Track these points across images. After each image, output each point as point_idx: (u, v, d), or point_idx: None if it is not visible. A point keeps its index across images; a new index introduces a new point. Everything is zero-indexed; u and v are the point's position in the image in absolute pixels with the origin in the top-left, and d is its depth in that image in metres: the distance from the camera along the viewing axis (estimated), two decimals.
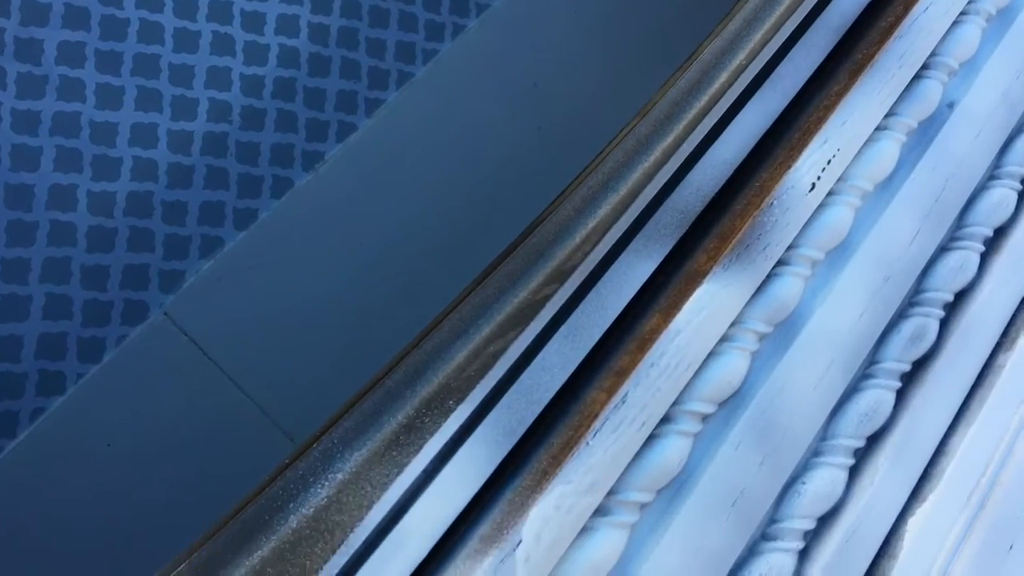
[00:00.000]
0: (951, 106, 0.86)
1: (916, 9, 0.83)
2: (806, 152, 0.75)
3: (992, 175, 0.88)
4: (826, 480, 0.71)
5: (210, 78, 1.59)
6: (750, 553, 0.68)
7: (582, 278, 0.67)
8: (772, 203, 0.73)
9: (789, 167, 0.74)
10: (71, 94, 1.47)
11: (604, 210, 0.71)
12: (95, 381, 1.46)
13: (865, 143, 0.79)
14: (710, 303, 0.70)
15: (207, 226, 1.57)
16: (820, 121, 0.77)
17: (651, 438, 0.67)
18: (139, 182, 1.52)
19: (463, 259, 1.77)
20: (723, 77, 0.76)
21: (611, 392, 0.65)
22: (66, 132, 1.47)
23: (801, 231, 0.75)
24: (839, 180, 0.77)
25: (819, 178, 0.75)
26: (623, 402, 0.65)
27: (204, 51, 1.58)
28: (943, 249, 0.83)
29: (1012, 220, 0.88)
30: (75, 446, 1.44)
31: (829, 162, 0.76)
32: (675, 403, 0.68)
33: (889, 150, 0.80)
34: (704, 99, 0.75)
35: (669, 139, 0.73)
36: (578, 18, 1.98)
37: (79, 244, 1.46)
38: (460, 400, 0.62)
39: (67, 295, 1.45)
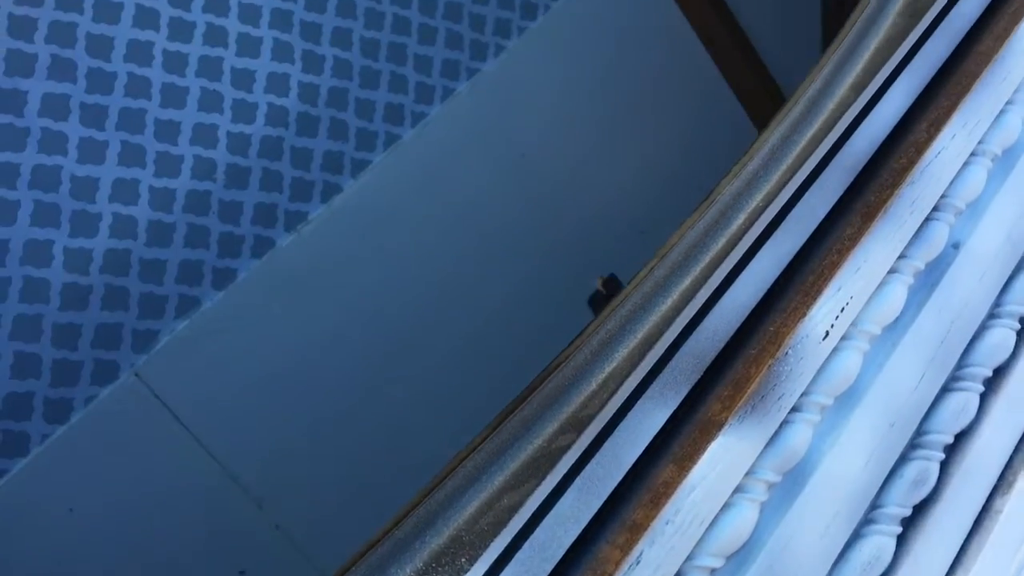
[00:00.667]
0: (957, 247, 0.87)
1: (928, 154, 0.84)
2: (820, 300, 0.75)
3: (993, 313, 0.89)
4: None
5: (196, 135, 1.56)
6: None
7: (599, 428, 0.66)
8: (787, 352, 0.73)
9: (804, 315, 0.74)
10: (53, 147, 1.44)
11: (621, 354, 0.70)
12: (61, 442, 1.42)
13: (876, 287, 0.79)
14: (725, 456, 0.69)
15: (185, 285, 1.54)
16: (834, 267, 0.77)
17: None
18: (118, 239, 1.48)
19: (444, 325, 1.76)
20: (740, 219, 0.76)
21: (625, 550, 0.64)
22: (45, 186, 1.43)
23: (813, 378, 0.75)
24: (850, 325, 0.78)
25: (832, 326, 0.75)
26: (637, 562, 0.64)
27: (191, 107, 1.56)
28: (945, 390, 0.84)
29: (1011, 360, 0.89)
30: (36, 510, 1.39)
31: (843, 309, 0.76)
32: (686, 558, 0.67)
33: (898, 293, 0.81)
34: (722, 241, 0.75)
35: (687, 282, 0.73)
36: (567, 86, 1.98)
37: (52, 301, 1.43)
38: (472, 559, 0.60)
39: (37, 353, 1.41)
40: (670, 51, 2.13)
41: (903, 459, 0.80)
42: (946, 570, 0.79)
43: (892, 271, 0.82)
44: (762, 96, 2.19)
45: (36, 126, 1.43)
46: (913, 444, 0.81)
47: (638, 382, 0.69)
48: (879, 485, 0.77)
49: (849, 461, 0.75)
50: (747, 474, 0.71)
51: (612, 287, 2.03)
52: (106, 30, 1.49)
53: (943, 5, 0.93)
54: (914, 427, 0.80)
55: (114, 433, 1.44)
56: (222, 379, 1.53)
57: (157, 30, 1.54)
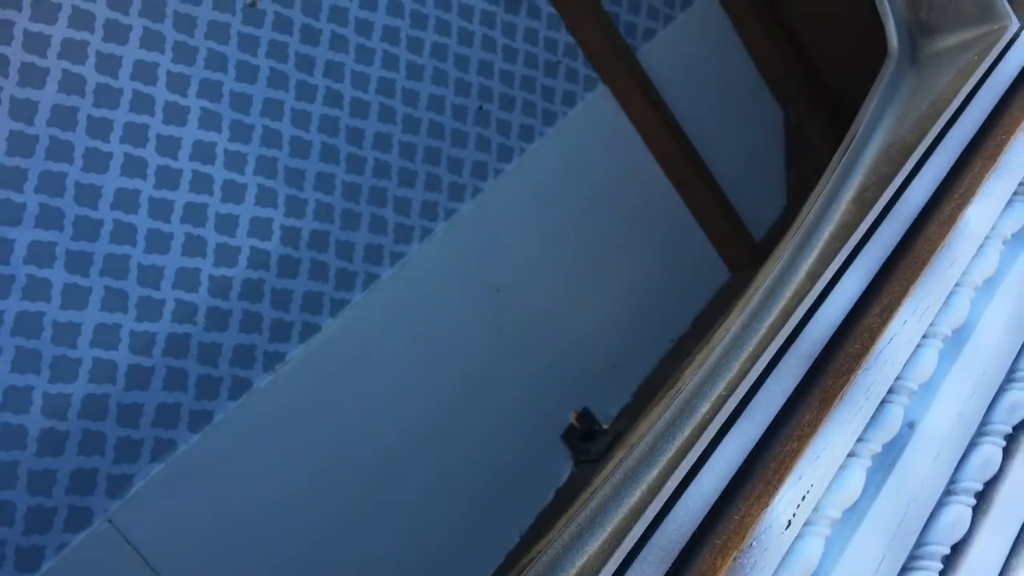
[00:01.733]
0: (912, 426, 0.91)
1: (882, 339, 0.88)
2: (782, 488, 0.78)
3: (948, 490, 0.93)
4: None
5: (179, 279, 1.60)
6: None
7: None
8: (751, 544, 0.76)
9: (767, 505, 0.77)
10: (36, 294, 1.47)
11: (592, 548, 0.72)
12: None
13: (836, 472, 0.83)
14: None
15: (161, 428, 1.55)
16: (795, 454, 0.80)
17: None
18: (97, 384, 1.50)
19: (419, 464, 1.77)
20: (705, 408, 0.80)
21: None
22: (27, 332, 1.45)
23: (777, 567, 0.77)
24: (812, 511, 0.81)
25: (794, 515, 0.78)
26: None
27: (175, 252, 1.60)
28: (904, 570, 0.87)
29: (967, 536, 0.92)
30: None
31: (804, 498, 0.79)
32: None
33: (856, 477, 0.84)
34: (687, 431, 0.78)
35: (654, 473, 0.76)
36: (541, 225, 2.05)
37: (28, 448, 1.43)
38: None
39: (11, 501, 1.41)
40: (641, 191, 2.21)
41: None
42: None
43: (851, 455, 0.85)
44: (731, 234, 2.27)
45: (21, 273, 1.46)
46: None
47: None
48: None
49: None
50: None
51: (585, 421, 2.05)
52: (95, 179, 1.54)
53: (892, 193, 0.99)
54: None
55: None
56: (196, 524, 1.53)
57: (144, 178, 1.59)
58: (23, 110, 1.50)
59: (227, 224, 1.66)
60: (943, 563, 0.89)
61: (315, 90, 1.79)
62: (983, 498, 0.95)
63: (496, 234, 1.99)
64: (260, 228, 1.69)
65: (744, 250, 2.29)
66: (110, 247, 1.54)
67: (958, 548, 0.91)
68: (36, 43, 1.52)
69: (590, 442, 2.03)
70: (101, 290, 1.52)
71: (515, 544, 1.88)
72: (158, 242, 1.58)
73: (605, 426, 2.07)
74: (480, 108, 2.02)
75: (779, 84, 2.48)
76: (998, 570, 0.92)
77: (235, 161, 1.68)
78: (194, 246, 1.62)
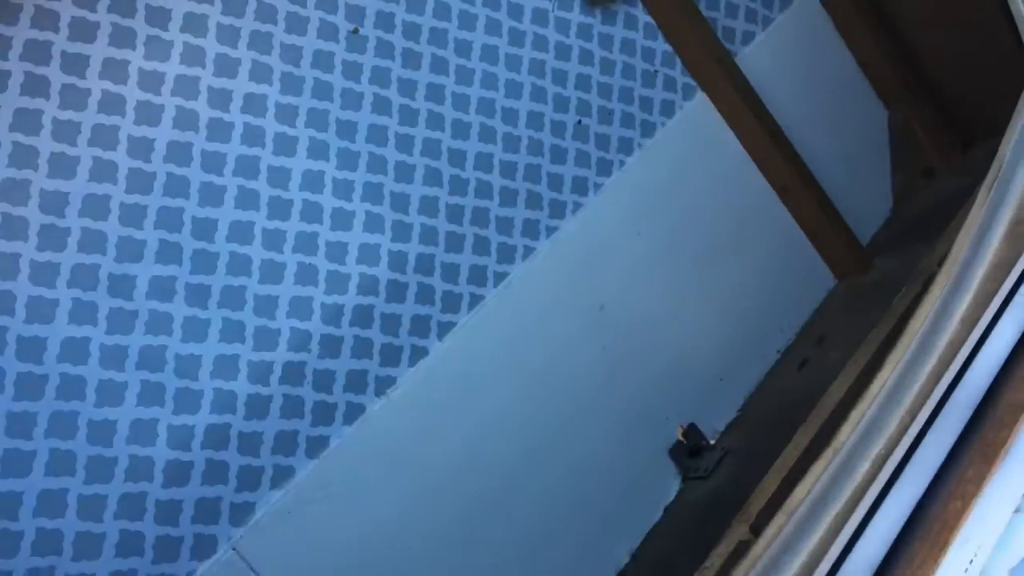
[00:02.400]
0: None
1: None
2: (948, 553, 0.75)
3: None
4: None
5: (293, 308, 1.62)
6: None
7: None
8: None
9: (933, 572, 0.74)
10: (159, 328, 1.50)
11: None
12: None
13: (1001, 530, 0.79)
14: None
15: (280, 455, 1.57)
16: (959, 515, 0.77)
17: None
18: (219, 414, 1.53)
19: (529, 489, 1.77)
20: (864, 467, 0.77)
21: None
22: (151, 366, 1.49)
23: None
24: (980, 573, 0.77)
25: None
26: None
27: (288, 282, 1.62)
28: None
29: None
30: None
31: (971, 561, 0.76)
32: None
33: (1021, 534, 0.80)
34: (847, 493, 0.76)
35: (815, 540, 0.73)
36: (643, 238, 2.02)
37: (155, 479, 1.47)
38: None
39: (140, 531, 1.45)
40: (744, 199, 2.17)
41: None
42: None
43: (1016, 510, 0.81)
44: (836, 240, 2.21)
45: (144, 308, 1.49)
46: None
47: None
48: None
49: None
50: None
51: (692, 436, 2.02)
52: (211, 212, 1.56)
53: None
54: None
55: None
56: (317, 549, 1.55)
57: (257, 210, 1.61)
58: (140, 147, 1.53)
59: (337, 252, 1.67)
60: None
61: (417, 114, 1.80)
62: None
63: (598, 250, 1.97)
64: (369, 254, 1.70)
65: (850, 256, 2.23)
66: (227, 279, 1.57)
67: None
68: (151, 81, 1.55)
69: (697, 458, 2.00)
70: (219, 322, 1.55)
71: (625, 563, 1.87)
72: (272, 272, 1.61)
73: (712, 441, 2.03)
74: (579, 122, 2.00)
75: (883, 83, 2.40)
76: None
77: (343, 188, 1.70)
78: (306, 275, 1.64)
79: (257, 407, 1.57)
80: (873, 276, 2.22)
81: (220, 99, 1.61)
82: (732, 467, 1.91)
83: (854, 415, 0.79)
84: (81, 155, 1.48)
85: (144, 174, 1.53)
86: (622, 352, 1.96)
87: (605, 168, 2.02)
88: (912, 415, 0.79)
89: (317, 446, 1.61)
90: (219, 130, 1.60)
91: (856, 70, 2.38)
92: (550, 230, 1.92)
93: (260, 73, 1.65)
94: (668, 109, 2.12)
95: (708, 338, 2.09)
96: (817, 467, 0.77)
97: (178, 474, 1.49)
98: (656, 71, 2.11)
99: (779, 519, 0.75)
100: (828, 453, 0.78)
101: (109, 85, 1.52)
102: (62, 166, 1.47)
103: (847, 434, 0.78)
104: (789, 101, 2.25)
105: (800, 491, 0.76)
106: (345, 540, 1.59)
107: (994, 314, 0.86)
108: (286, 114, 1.66)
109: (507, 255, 1.86)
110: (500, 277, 1.85)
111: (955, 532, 0.76)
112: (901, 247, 2.24)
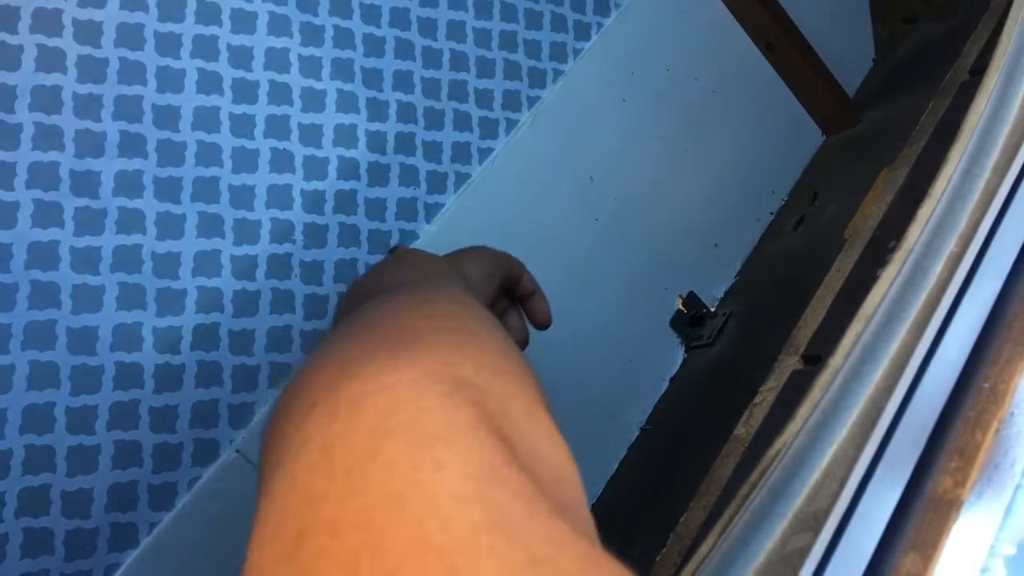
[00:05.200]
0: None
1: None
2: None
3: None
4: None
5: (271, 198, 1.52)
6: None
7: (836, 523, 0.61)
8: (1012, 412, 0.67)
9: (1021, 369, 0.69)
10: (130, 226, 1.40)
11: (841, 435, 0.65)
12: (168, 530, 1.38)
13: None
14: (969, 537, 0.64)
15: (275, 352, 1.49)
16: None
17: None
18: (205, 313, 1.44)
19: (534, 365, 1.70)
20: (938, 267, 0.71)
21: None
22: (128, 267, 1.39)
23: None
24: None
25: None
26: None
27: (264, 169, 1.52)
28: None
29: None
30: None
31: None
32: None
33: None
34: (923, 296, 0.70)
35: (895, 346, 0.67)
36: (628, 105, 1.93)
37: (146, 385, 1.39)
38: None
39: (136, 440, 1.37)
40: (727, 58, 2.08)
41: None
42: None
43: None
44: (825, 95, 2.13)
45: (113, 206, 1.39)
46: None
47: (865, 468, 0.64)
48: None
49: None
50: (988, 551, 0.65)
51: (692, 305, 1.97)
52: (171, 99, 1.45)
53: None
54: None
55: (221, 513, 1.40)
56: None
57: (221, 94, 1.49)
58: (87, 32, 1.40)
59: (312, 134, 1.57)
60: None
61: None
62: None
63: (583, 119, 1.88)
64: (345, 136, 1.60)
65: (838, 111, 2.16)
66: (198, 170, 1.46)
67: None
68: None
69: (699, 327, 1.95)
70: (195, 216, 1.45)
71: (635, 436, 1.83)
72: (245, 160, 1.50)
73: (712, 308, 1.99)
74: None
75: None
76: None
77: (310, 66, 1.58)
78: (282, 161, 1.53)
79: (246, 304, 1.48)
80: (861, 129, 2.16)
81: None
82: (736, 331, 1.86)
83: (922, 214, 0.72)
84: (24, 43, 1.35)
85: (95, 60, 1.40)
86: (615, 223, 1.89)
87: (583, 32, 1.91)
88: (983, 209, 0.72)
89: (312, 340, 1.53)
90: (171, 8, 1.47)
91: None
92: (532, 100, 1.83)
93: None
94: None
95: (700, 205, 2.02)
96: (888, 272, 0.71)
97: (169, 379, 1.41)
98: None
99: (855, 327, 0.68)
100: (898, 256, 0.71)
101: None
102: (3, 57, 1.34)
103: (915, 233, 0.72)
104: None
105: (874, 297, 0.70)
106: None
107: None
108: None
109: (490, 130, 1.77)
110: (485, 153, 1.75)
111: None
112: (887, 97, 2.17)
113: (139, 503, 1.37)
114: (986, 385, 0.70)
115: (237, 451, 1.43)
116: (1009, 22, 0.89)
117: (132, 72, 1.43)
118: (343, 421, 0.37)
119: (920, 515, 0.65)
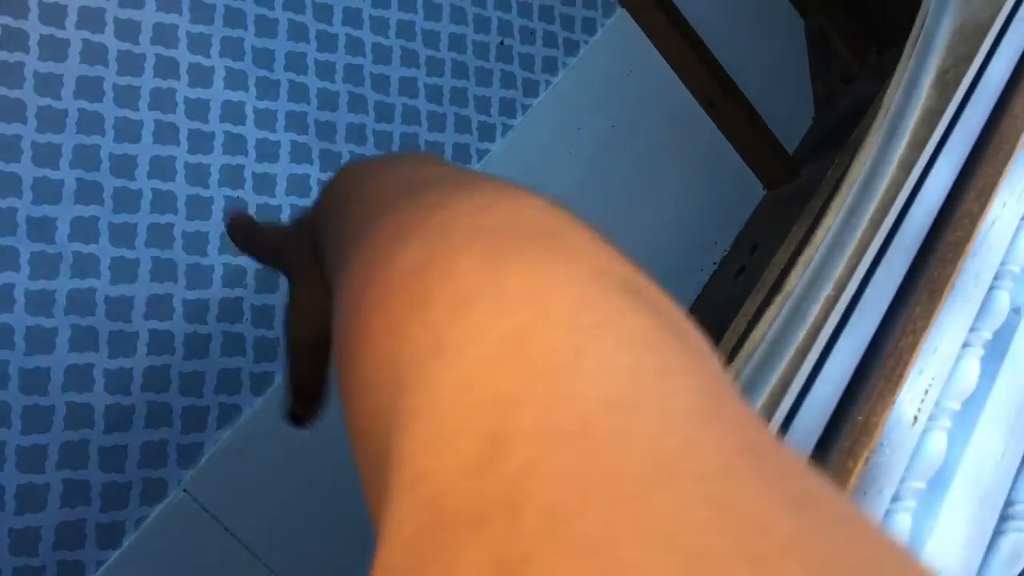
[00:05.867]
0: (1018, 312, 0.89)
1: (983, 224, 0.86)
2: (904, 384, 0.76)
3: None
4: None
5: (224, 244, 1.57)
6: None
7: None
8: (882, 442, 0.74)
9: (892, 401, 0.75)
10: (86, 271, 1.45)
11: None
12: (115, 568, 1.41)
13: (953, 363, 0.81)
14: None
15: (225, 394, 1.54)
16: (912, 348, 0.78)
17: None
18: (156, 356, 1.49)
19: None
20: (815, 310, 0.78)
21: None
22: (81, 310, 1.43)
23: (907, 464, 0.76)
24: (934, 405, 0.79)
25: (919, 409, 0.76)
26: None
27: (217, 216, 1.57)
28: None
29: None
30: None
31: (926, 391, 0.77)
32: None
33: (972, 367, 0.82)
34: (800, 336, 0.76)
35: (773, 380, 0.74)
36: (572, 159, 2.01)
37: (96, 425, 1.42)
38: None
39: (85, 480, 1.40)
40: (671, 115, 2.17)
41: (997, 533, 0.80)
42: None
43: (965, 344, 0.83)
44: (765, 152, 2.23)
45: (68, 251, 1.44)
46: (1004, 516, 0.82)
47: None
48: (979, 562, 0.77)
49: (950, 542, 0.76)
50: None
51: None
52: (129, 149, 1.51)
53: (974, 74, 0.96)
54: (1003, 499, 0.81)
55: (168, 553, 1.43)
56: (271, 485, 1.53)
57: (178, 144, 1.55)
58: (48, 84, 1.46)
59: (265, 184, 1.63)
60: None
61: (336, 39, 1.75)
62: None
63: (530, 171, 1.95)
64: (298, 185, 1.66)
65: (778, 165, 2.25)
66: (152, 217, 1.51)
67: None
68: (53, 14, 1.48)
69: None
70: (149, 261, 1.50)
71: None
72: (199, 208, 1.56)
73: None
74: (502, 43, 1.97)
75: None
76: None
77: (265, 119, 1.65)
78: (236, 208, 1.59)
79: (196, 347, 1.52)
80: (801, 182, 2.25)
81: (128, 31, 1.54)
82: None
83: (801, 260, 0.80)
84: None
85: (55, 111, 1.46)
86: None
87: (532, 89, 2.00)
88: (858, 257, 0.80)
89: (263, 383, 1.57)
90: (130, 62, 1.53)
91: None
92: (481, 153, 1.90)
93: (168, 3, 1.58)
94: (590, 26, 2.11)
95: (646, 255, 2.09)
96: (769, 313, 0.78)
97: (119, 419, 1.44)
98: None
99: (737, 363, 0.75)
100: (779, 299, 0.78)
101: (8, 20, 1.44)
102: None
103: (795, 280, 0.79)
104: (709, 13, 2.25)
105: (756, 335, 0.76)
106: (299, 474, 1.56)
107: (929, 158, 0.87)
108: (199, 44, 1.60)
109: None
110: None
111: (909, 365, 0.78)
112: (825, 152, 2.27)
113: (87, 541, 1.39)
114: (860, 418, 0.76)
115: (185, 491, 1.47)
116: (892, 85, 0.98)
117: (91, 123, 1.49)
118: (527, 312, 0.30)
119: None
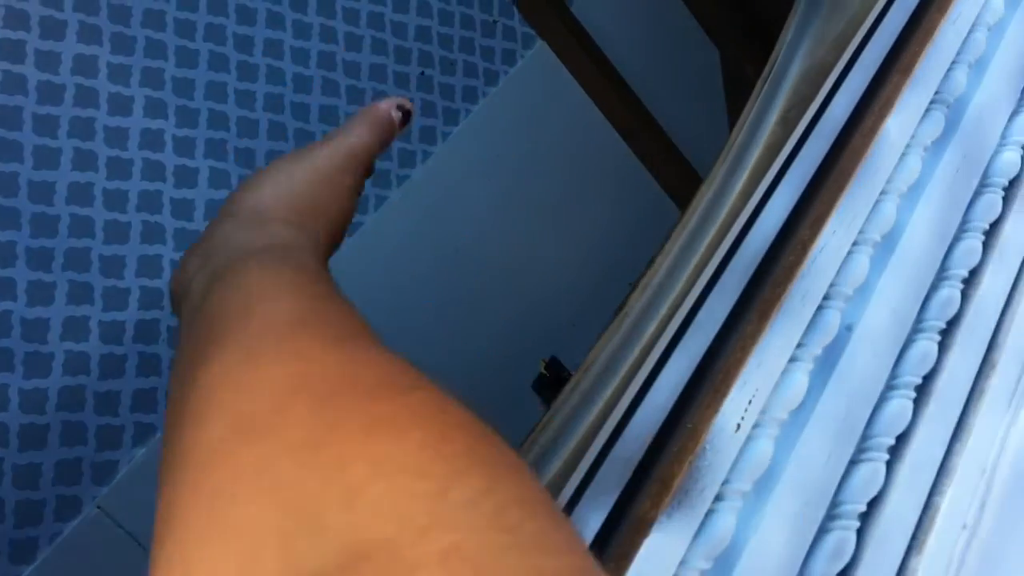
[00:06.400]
0: (850, 328, 0.97)
1: (813, 250, 0.94)
2: (729, 396, 0.83)
3: (889, 385, 0.99)
4: None
5: (141, 267, 1.62)
6: None
7: None
8: (705, 448, 0.81)
9: (716, 411, 0.82)
10: (2, 293, 1.49)
11: (556, 465, 0.78)
12: None
13: (779, 376, 0.88)
14: (658, 551, 0.77)
15: (140, 413, 1.58)
16: (739, 363, 0.86)
17: None
18: (72, 376, 1.53)
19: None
20: (651, 328, 0.85)
21: None
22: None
23: (731, 467, 0.83)
24: (760, 414, 0.86)
25: (743, 418, 0.84)
26: None
27: (135, 241, 1.62)
28: (853, 462, 0.93)
29: (910, 427, 0.98)
30: None
31: (750, 402, 0.84)
32: None
33: (799, 379, 0.90)
34: (636, 351, 0.84)
35: (608, 392, 0.81)
36: (492, 185, 2.09)
37: (11, 444, 1.46)
38: None
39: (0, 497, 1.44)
40: (589, 144, 2.26)
41: (821, 531, 0.88)
42: None
43: (792, 359, 0.91)
44: (681, 179, 2.32)
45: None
46: (829, 516, 0.89)
47: (572, 491, 0.76)
48: (802, 559, 0.85)
49: (772, 539, 0.83)
50: (681, 563, 0.78)
51: (554, 369, 2.11)
52: (47, 175, 1.55)
53: (814, 112, 1.04)
54: (828, 500, 0.89)
55: (82, 568, 1.47)
56: None
57: (96, 171, 1.60)
58: None
59: (184, 209, 1.68)
60: (889, 453, 0.95)
61: (256, 69, 1.81)
62: (922, 391, 1.01)
63: (449, 197, 2.03)
64: (215, 211, 1.71)
65: (694, 193, 2.34)
66: (70, 241, 1.56)
67: (902, 438, 0.97)
68: None
69: (559, 390, 2.08)
70: (65, 284, 1.55)
71: None
72: (116, 233, 1.61)
73: (573, 372, 2.12)
74: (422, 74, 2.05)
75: (712, 24, 2.53)
76: (941, 455, 0.98)
77: (184, 146, 1.70)
78: (152, 233, 1.64)
79: (112, 367, 1.57)
80: None
81: (48, 62, 1.59)
82: None
83: (643, 282, 0.87)
84: None
85: None
86: (480, 294, 2.02)
87: (452, 117, 2.07)
88: (693, 280, 0.87)
89: None
90: (49, 92, 1.58)
91: (686, 12, 2.50)
92: (401, 179, 1.97)
93: (89, 34, 1.63)
94: (510, 58, 2.19)
95: (565, 276, 2.17)
96: (610, 329, 0.85)
97: (34, 438, 1.48)
98: (495, 21, 2.18)
99: (577, 376, 0.82)
100: (620, 317, 0.85)
101: None
102: None
103: (636, 299, 0.86)
104: (626, 47, 2.35)
105: (595, 351, 0.83)
106: None
107: (767, 188, 0.95)
108: (119, 74, 1.65)
109: (360, 205, 1.89)
110: (355, 227, 1.88)
111: (735, 377, 0.85)
112: None
113: (1, 558, 1.43)
114: (689, 426, 0.83)
115: (99, 507, 1.51)
116: (739, 122, 1.06)
117: (9, 150, 1.53)
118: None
119: (621, 534, 0.78)
